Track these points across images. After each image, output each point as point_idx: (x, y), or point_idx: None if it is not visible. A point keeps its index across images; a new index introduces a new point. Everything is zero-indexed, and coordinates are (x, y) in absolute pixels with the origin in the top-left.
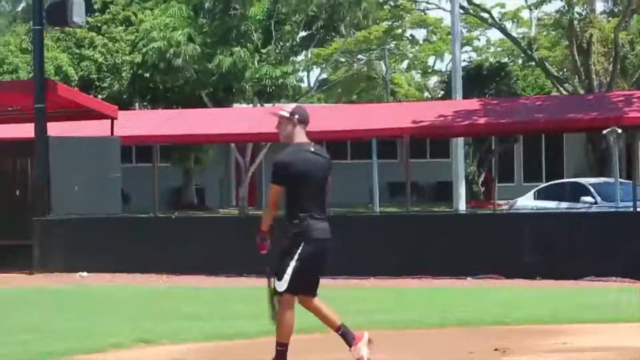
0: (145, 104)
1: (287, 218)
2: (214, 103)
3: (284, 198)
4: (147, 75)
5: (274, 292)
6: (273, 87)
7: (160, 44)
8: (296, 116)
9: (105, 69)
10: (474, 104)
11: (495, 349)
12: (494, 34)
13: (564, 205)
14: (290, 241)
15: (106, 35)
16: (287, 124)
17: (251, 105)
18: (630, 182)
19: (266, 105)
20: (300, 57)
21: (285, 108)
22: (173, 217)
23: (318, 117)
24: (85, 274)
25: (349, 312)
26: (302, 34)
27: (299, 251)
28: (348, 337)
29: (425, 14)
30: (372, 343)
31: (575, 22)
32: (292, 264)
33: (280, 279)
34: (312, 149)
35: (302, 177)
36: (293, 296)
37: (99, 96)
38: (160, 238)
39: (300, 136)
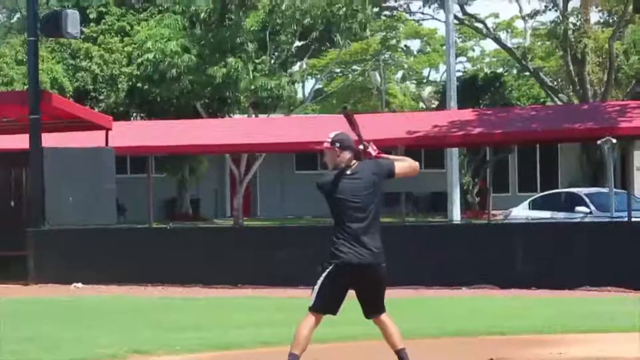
0: (142, 115)
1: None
2: (208, 114)
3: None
4: (144, 86)
5: None
6: (268, 99)
7: (155, 55)
8: (337, 144)
9: (101, 80)
10: (468, 114)
11: (490, 359)
12: (489, 45)
13: (558, 215)
14: (327, 259)
15: (102, 46)
16: (332, 153)
17: (246, 116)
18: (625, 192)
19: (261, 115)
20: (295, 68)
21: (327, 138)
22: (168, 227)
23: (313, 127)
24: (80, 284)
25: (341, 322)
26: (298, 44)
27: (327, 270)
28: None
29: (420, 24)
30: None
31: (570, 32)
32: (320, 281)
33: (311, 294)
34: (348, 172)
35: (334, 201)
36: (317, 314)
37: (96, 108)
38: (156, 249)
39: (345, 162)
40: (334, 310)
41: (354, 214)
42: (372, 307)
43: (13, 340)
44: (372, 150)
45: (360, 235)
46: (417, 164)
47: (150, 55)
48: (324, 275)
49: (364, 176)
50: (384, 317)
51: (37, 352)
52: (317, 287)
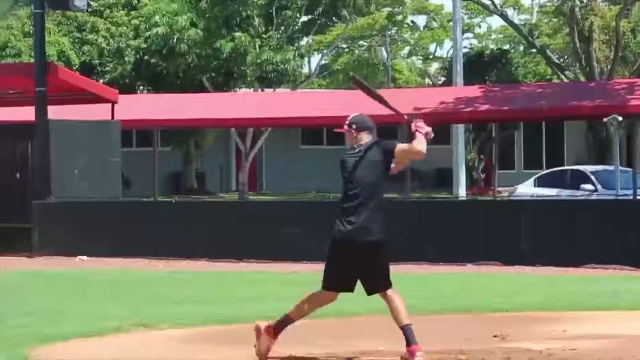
0: (149, 88)
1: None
2: (214, 88)
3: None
4: (151, 60)
5: None
6: (274, 73)
7: (164, 29)
8: (354, 126)
9: (108, 54)
10: (475, 90)
11: (495, 336)
12: (495, 21)
13: (564, 192)
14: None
15: (108, 19)
16: (349, 135)
17: (252, 90)
18: (631, 170)
19: (267, 90)
20: (302, 43)
21: (346, 121)
22: (173, 201)
23: (319, 103)
24: (84, 257)
25: (348, 297)
26: (304, 18)
27: (330, 250)
28: (408, 340)
29: (426, 0)
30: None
31: (577, 9)
32: (327, 261)
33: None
34: (356, 150)
35: (343, 178)
36: (328, 292)
37: (101, 80)
38: (161, 222)
39: (361, 141)
40: (344, 288)
41: (348, 191)
42: (368, 284)
43: (18, 313)
44: (416, 126)
45: (352, 212)
46: (421, 148)
47: (160, 30)
48: (328, 256)
49: (366, 154)
50: (389, 292)
51: (42, 325)
52: (324, 268)
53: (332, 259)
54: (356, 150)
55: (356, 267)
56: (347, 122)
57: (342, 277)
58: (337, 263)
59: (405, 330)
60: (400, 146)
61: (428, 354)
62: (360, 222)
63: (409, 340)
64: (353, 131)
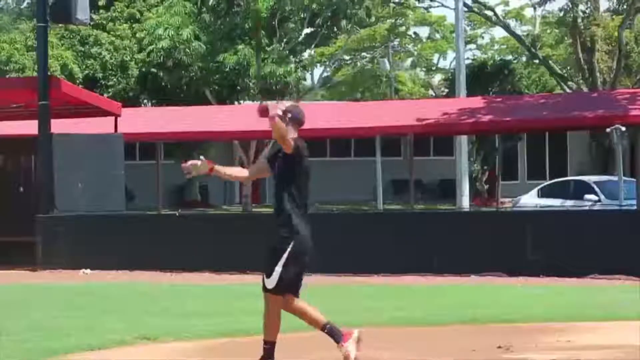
0: (152, 101)
1: (283, 212)
2: (218, 101)
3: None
4: (154, 73)
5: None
6: (277, 85)
7: (167, 42)
8: (289, 115)
9: (111, 67)
10: (478, 101)
11: (499, 347)
12: (498, 32)
13: (567, 203)
14: (283, 236)
15: (111, 32)
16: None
17: (255, 102)
18: (634, 180)
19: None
20: (305, 55)
21: (280, 105)
22: (177, 214)
23: (322, 114)
24: (88, 271)
25: (353, 309)
26: (306, 30)
27: (289, 248)
28: (336, 335)
29: (428, 11)
30: (361, 341)
31: (579, 20)
32: (282, 261)
33: (269, 275)
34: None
35: (307, 175)
36: (282, 296)
37: (105, 94)
38: (164, 235)
39: (290, 134)
40: (297, 291)
41: (304, 198)
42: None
43: (21, 326)
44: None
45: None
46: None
47: (163, 43)
48: (285, 255)
49: (307, 162)
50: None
51: (46, 339)
52: (278, 269)
53: (296, 256)
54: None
55: (306, 265)
56: (283, 108)
57: (300, 276)
58: (302, 261)
59: (331, 327)
60: None
61: None
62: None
63: (339, 334)
64: (287, 119)
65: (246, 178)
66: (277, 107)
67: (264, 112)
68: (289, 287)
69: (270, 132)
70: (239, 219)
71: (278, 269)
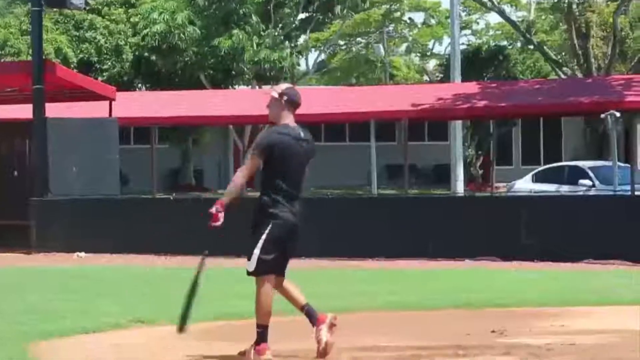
0: (147, 85)
1: (260, 196)
2: (212, 85)
3: (259, 175)
4: (149, 57)
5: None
6: (271, 70)
7: (162, 27)
8: (285, 97)
9: (106, 51)
10: (472, 87)
11: (493, 331)
12: (493, 18)
13: (562, 188)
14: (260, 220)
15: (106, 17)
16: (276, 104)
17: (250, 87)
18: (628, 165)
19: (265, 87)
20: (300, 41)
21: (277, 88)
22: (171, 198)
23: (317, 99)
24: (83, 254)
25: (347, 293)
26: (301, 16)
27: (267, 231)
28: (312, 317)
29: None
30: (334, 327)
31: (574, 6)
32: (260, 244)
33: (249, 258)
34: (301, 134)
35: (282, 158)
36: (270, 277)
37: (99, 78)
38: (159, 219)
39: (287, 118)
40: (281, 272)
41: (293, 175)
42: (285, 267)
43: (16, 309)
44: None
45: (296, 195)
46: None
47: (158, 27)
48: (263, 237)
49: (309, 141)
50: (285, 280)
51: (40, 322)
52: (257, 252)
53: (274, 239)
54: (298, 133)
55: (289, 247)
56: (278, 90)
57: (281, 258)
58: (280, 243)
59: (307, 309)
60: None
61: (427, 350)
62: (298, 205)
63: (315, 317)
64: (283, 102)
65: (244, 183)
66: (274, 89)
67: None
68: (268, 269)
69: (263, 117)
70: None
71: (256, 251)
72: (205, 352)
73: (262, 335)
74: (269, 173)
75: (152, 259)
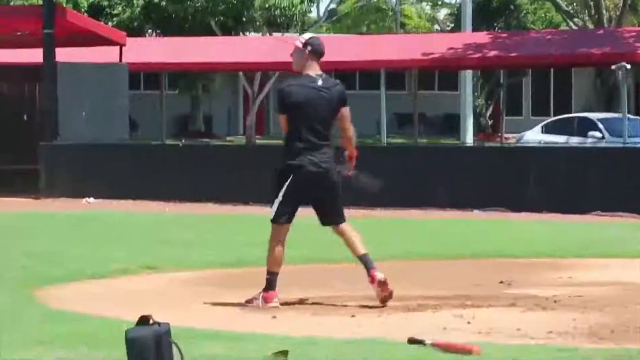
0: (157, 31)
1: (284, 147)
2: (223, 32)
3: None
4: (159, 3)
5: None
6: (282, 17)
7: None
8: (309, 47)
9: None
10: (483, 37)
11: (501, 282)
12: None
13: (571, 139)
14: (283, 170)
15: None
16: (300, 54)
17: (260, 34)
18: (638, 118)
19: (275, 34)
20: None
21: (301, 38)
22: (180, 144)
23: (327, 47)
24: (91, 199)
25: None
26: None
27: (289, 181)
28: (369, 263)
29: None
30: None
31: None
32: (282, 193)
33: (272, 207)
34: (320, 82)
35: (300, 108)
36: (284, 225)
37: (109, 23)
38: (168, 165)
39: (311, 68)
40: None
41: (315, 124)
42: (331, 215)
43: (23, 254)
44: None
45: (320, 145)
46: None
47: None
48: (284, 187)
49: (333, 89)
50: (344, 226)
51: (47, 267)
52: (277, 201)
53: (295, 189)
54: (319, 83)
55: (317, 196)
56: (302, 40)
57: (296, 207)
58: (302, 192)
59: (364, 259)
60: (347, 111)
61: (434, 300)
62: (323, 153)
63: (371, 264)
64: (307, 52)
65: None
66: (297, 39)
67: None
68: (285, 219)
69: (274, 64)
70: (243, 150)
71: (277, 200)
72: (213, 299)
73: (270, 283)
74: (291, 123)
75: (161, 205)
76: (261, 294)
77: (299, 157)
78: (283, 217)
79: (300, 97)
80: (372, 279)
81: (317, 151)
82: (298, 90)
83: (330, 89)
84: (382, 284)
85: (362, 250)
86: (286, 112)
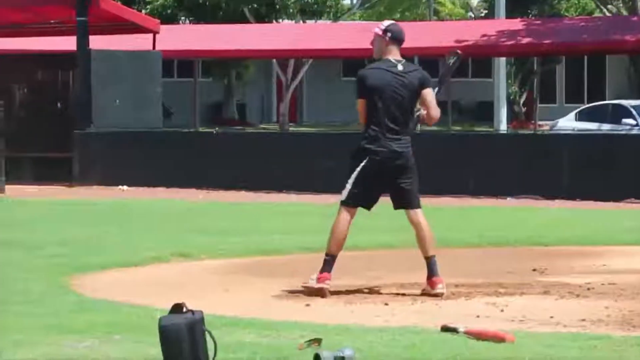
0: (191, 19)
1: (363, 131)
2: (256, 19)
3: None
4: None
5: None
6: (316, 4)
7: None
8: (389, 34)
9: None
10: (517, 24)
11: (534, 270)
12: None
13: (605, 127)
14: (357, 154)
15: None
16: (380, 40)
17: (294, 21)
18: None
19: (309, 21)
20: None
21: (381, 25)
22: (214, 132)
23: (359, 34)
24: (125, 187)
25: (390, 229)
26: None
27: (362, 165)
28: (430, 272)
29: None
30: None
31: None
32: (354, 175)
33: (343, 188)
34: (400, 67)
35: (375, 92)
36: (351, 208)
37: (143, 11)
38: (201, 153)
39: (389, 54)
40: (370, 205)
41: (392, 109)
42: (399, 200)
43: (56, 242)
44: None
45: (397, 130)
46: (435, 114)
47: None
48: (357, 170)
49: (412, 74)
50: (418, 215)
51: (81, 255)
52: (350, 182)
53: (368, 173)
54: (399, 68)
55: (387, 182)
56: (382, 27)
57: (374, 192)
58: (374, 177)
59: (429, 262)
60: (430, 93)
61: (467, 287)
62: (399, 140)
63: (435, 270)
64: (387, 39)
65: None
66: (377, 26)
67: None
68: (354, 202)
69: (307, 51)
70: (276, 138)
71: (349, 182)
72: (246, 287)
73: (326, 263)
74: (369, 108)
75: (194, 193)
76: (317, 274)
77: (375, 142)
78: (351, 200)
79: (377, 81)
80: (432, 285)
81: (394, 136)
82: (376, 74)
83: (409, 74)
84: (436, 295)
85: (430, 251)
86: (364, 96)
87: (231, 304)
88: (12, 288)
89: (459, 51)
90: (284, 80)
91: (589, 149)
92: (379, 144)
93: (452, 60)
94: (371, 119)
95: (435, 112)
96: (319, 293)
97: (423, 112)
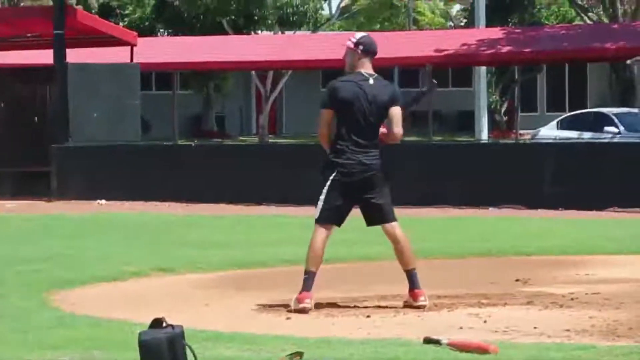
0: (169, 31)
1: (331, 145)
2: (235, 31)
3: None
4: (171, 2)
5: None
6: (294, 15)
7: None
8: (361, 47)
9: None
10: (497, 32)
11: (517, 280)
12: None
13: (587, 135)
14: (325, 168)
15: None
16: (352, 54)
17: (272, 32)
18: None
19: (287, 32)
20: None
21: (353, 38)
22: (193, 144)
23: (339, 44)
24: (103, 201)
25: (370, 241)
26: None
27: (330, 179)
28: (414, 281)
29: None
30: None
31: None
32: (324, 191)
33: (316, 206)
34: (371, 81)
35: (345, 105)
36: (327, 225)
37: (121, 23)
38: (180, 166)
39: (362, 67)
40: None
41: (362, 123)
42: (378, 216)
43: (35, 257)
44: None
45: (366, 145)
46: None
47: None
48: (327, 186)
49: (385, 89)
50: (395, 231)
51: (60, 269)
52: (321, 199)
53: (338, 188)
54: (370, 82)
55: (360, 197)
56: (354, 40)
57: (346, 208)
58: (346, 193)
59: (410, 275)
60: (398, 112)
61: (450, 299)
62: (368, 154)
63: (416, 284)
64: (359, 52)
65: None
66: (349, 38)
67: None
68: (328, 218)
69: (286, 63)
70: (256, 150)
71: (320, 199)
72: (226, 301)
73: (305, 282)
74: (337, 121)
75: (174, 207)
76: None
77: (342, 155)
78: (325, 217)
79: (348, 94)
80: (414, 297)
81: (361, 149)
82: (348, 87)
83: (380, 89)
84: (418, 307)
85: (410, 264)
86: (332, 107)
87: (212, 318)
88: None
89: (435, 81)
90: (263, 91)
91: (571, 157)
92: (346, 157)
93: (425, 89)
94: (339, 133)
95: (398, 130)
96: (302, 312)
97: (383, 130)
